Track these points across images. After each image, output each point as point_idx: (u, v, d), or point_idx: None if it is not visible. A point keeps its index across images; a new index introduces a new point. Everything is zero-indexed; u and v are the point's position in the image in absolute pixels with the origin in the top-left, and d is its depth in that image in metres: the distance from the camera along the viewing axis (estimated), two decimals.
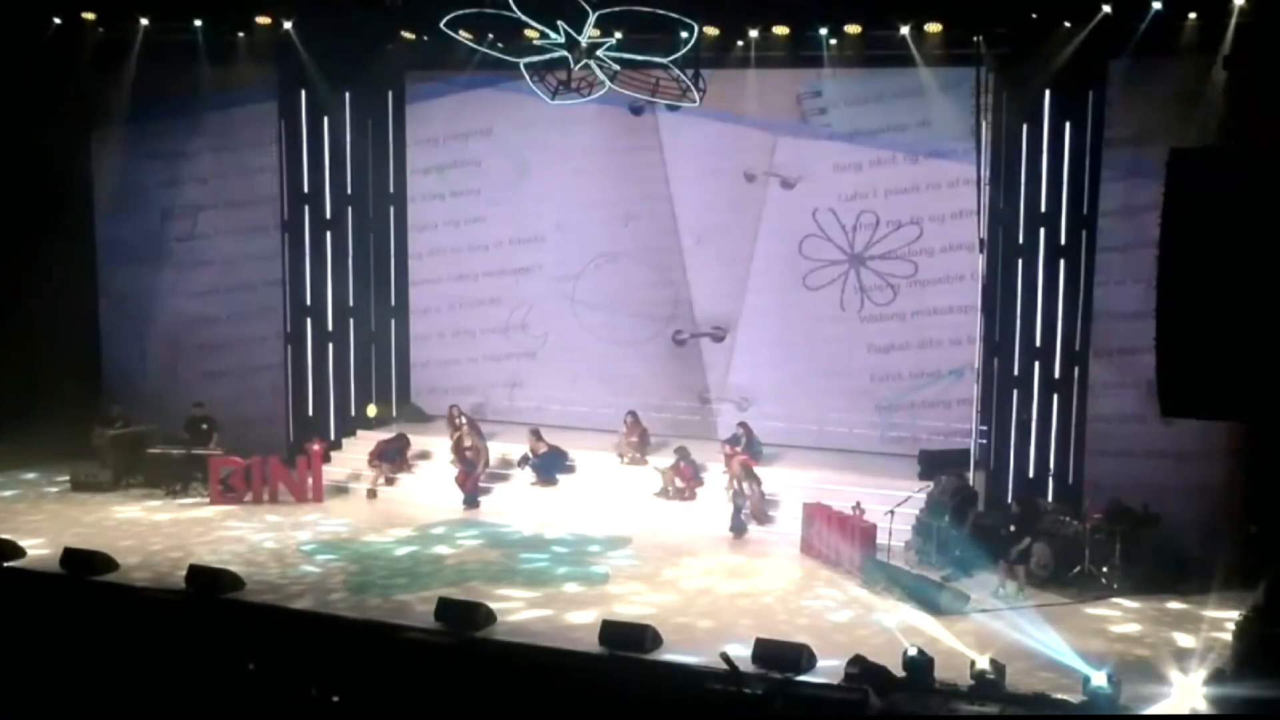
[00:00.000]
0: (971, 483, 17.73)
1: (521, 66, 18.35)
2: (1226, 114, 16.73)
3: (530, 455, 20.38)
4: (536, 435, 20.52)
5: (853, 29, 18.51)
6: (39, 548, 17.32)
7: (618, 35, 17.37)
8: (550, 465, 20.35)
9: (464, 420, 20.61)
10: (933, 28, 18.15)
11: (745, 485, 18.84)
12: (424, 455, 21.37)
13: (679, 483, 19.58)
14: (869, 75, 19.84)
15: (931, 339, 20.19)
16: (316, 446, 20.74)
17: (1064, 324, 18.05)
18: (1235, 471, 17.04)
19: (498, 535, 18.94)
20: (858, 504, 17.56)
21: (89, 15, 20.41)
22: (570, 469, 20.54)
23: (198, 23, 20.38)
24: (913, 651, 13.34)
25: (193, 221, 22.39)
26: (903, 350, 20.43)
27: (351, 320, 22.23)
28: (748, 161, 20.96)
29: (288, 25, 20.27)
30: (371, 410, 21.47)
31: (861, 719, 12.78)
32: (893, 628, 15.01)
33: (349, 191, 21.92)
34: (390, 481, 20.83)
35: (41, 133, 22.13)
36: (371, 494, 20.63)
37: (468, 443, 19.98)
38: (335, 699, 12.81)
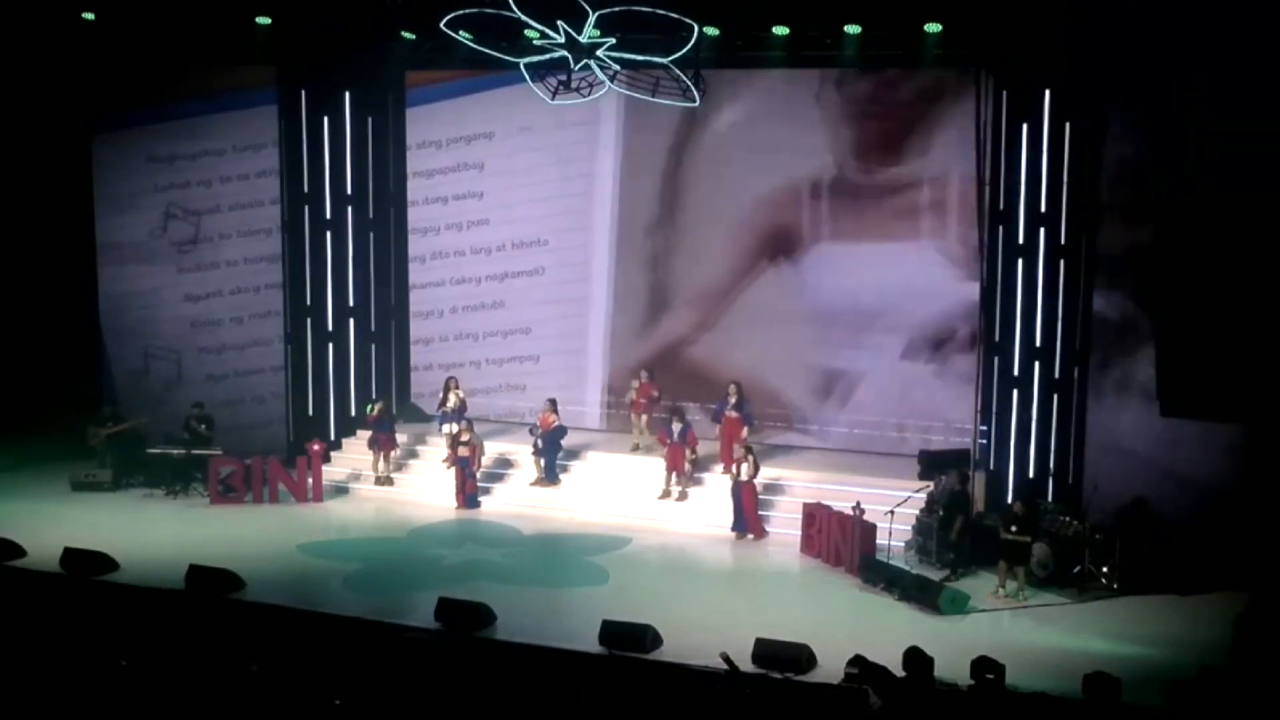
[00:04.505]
0: (970, 485, 17.68)
1: (522, 66, 18.35)
2: (1225, 111, 16.78)
3: (539, 428, 20.27)
4: (553, 406, 20.32)
5: (852, 29, 18.50)
6: (39, 548, 17.29)
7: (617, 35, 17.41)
8: (558, 437, 20.29)
9: (461, 396, 20.66)
10: (932, 28, 18.14)
11: (744, 468, 18.63)
12: (418, 455, 21.44)
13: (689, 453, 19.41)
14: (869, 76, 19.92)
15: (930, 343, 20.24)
16: (316, 447, 20.75)
17: (1064, 324, 18.03)
18: (1234, 471, 17.04)
19: (498, 535, 18.95)
20: (858, 504, 17.57)
21: (89, 15, 20.41)
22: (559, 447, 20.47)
23: (198, 23, 20.37)
24: (913, 651, 13.33)
25: (195, 226, 22.42)
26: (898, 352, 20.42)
27: (351, 320, 22.25)
28: (757, 160, 20.85)
29: (288, 25, 20.26)
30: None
31: (861, 719, 12.78)
32: (893, 628, 15.01)
33: (349, 191, 21.94)
34: (388, 482, 20.86)
35: (41, 133, 22.23)
36: (385, 481, 20.70)
37: (464, 438, 19.97)
38: (337, 702, 12.80)
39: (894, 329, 20.27)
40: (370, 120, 21.98)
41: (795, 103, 20.30)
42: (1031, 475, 18.19)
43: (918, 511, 17.83)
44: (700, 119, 20.57)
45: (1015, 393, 18.35)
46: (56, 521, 18.82)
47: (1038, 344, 18.20)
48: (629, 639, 14.24)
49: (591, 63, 17.78)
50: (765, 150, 20.52)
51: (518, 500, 20.22)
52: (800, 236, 20.66)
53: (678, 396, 20.45)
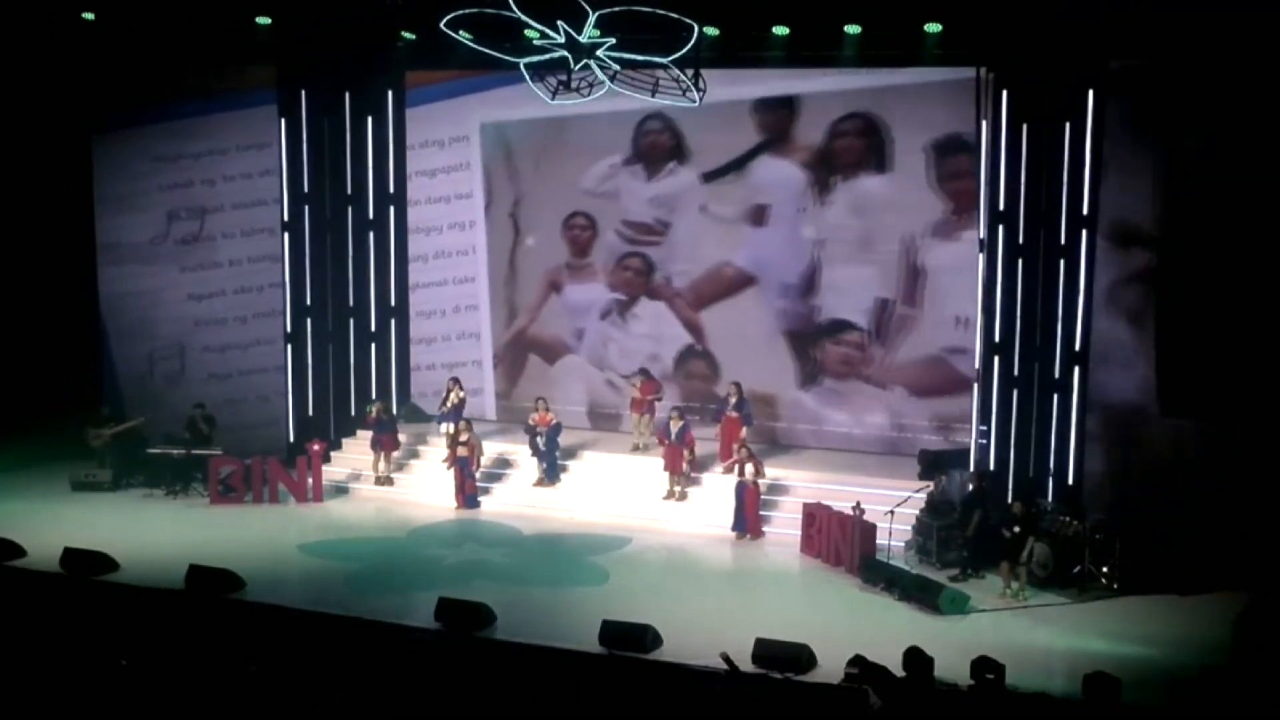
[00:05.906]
0: (986, 483, 17.64)
1: (522, 66, 18.35)
2: (1224, 115, 16.78)
3: (536, 427, 20.26)
4: (545, 404, 20.39)
5: (852, 29, 18.50)
6: (39, 548, 17.29)
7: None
8: (555, 434, 20.28)
9: (462, 396, 20.71)
10: (932, 28, 18.14)
11: (748, 468, 18.63)
12: (419, 455, 21.45)
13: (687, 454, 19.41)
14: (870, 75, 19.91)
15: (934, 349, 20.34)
16: (316, 447, 20.75)
17: (1064, 324, 18.03)
18: (1234, 471, 17.04)
19: (498, 535, 18.95)
20: (858, 504, 17.57)
21: (89, 15, 20.41)
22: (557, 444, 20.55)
23: (198, 24, 20.36)
24: (913, 651, 13.33)
25: (199, 225, 22.43)
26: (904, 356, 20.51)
27: (352, 320, 22.25)
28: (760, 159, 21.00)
29: (288, 25, 20.25)
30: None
31: (861, 719, 12.78)
32: (893, 628, 15.01)
33: (349, 191, 21.94)
34: (388, 482, 20.86)
35: (41, 133, 22.22)
36: (385, 481, 20.72)
37: (463, 437, 19.97)
38: (337, 701, 12.81)
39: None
40: (370, 120, 21.98)
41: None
42: (1031, 475, 18.19)
43: (918, 511, 17.83)
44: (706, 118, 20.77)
45: (1015, 393, 18.35)
46: (56, 521, 18.82)
47: (1037, 344, 18.19)
48: (629, 639, 14.25)
49: (591, 63, 17.78)
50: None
51: (518, 500, 20.21)
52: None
53: (685, 398, 21.29)
